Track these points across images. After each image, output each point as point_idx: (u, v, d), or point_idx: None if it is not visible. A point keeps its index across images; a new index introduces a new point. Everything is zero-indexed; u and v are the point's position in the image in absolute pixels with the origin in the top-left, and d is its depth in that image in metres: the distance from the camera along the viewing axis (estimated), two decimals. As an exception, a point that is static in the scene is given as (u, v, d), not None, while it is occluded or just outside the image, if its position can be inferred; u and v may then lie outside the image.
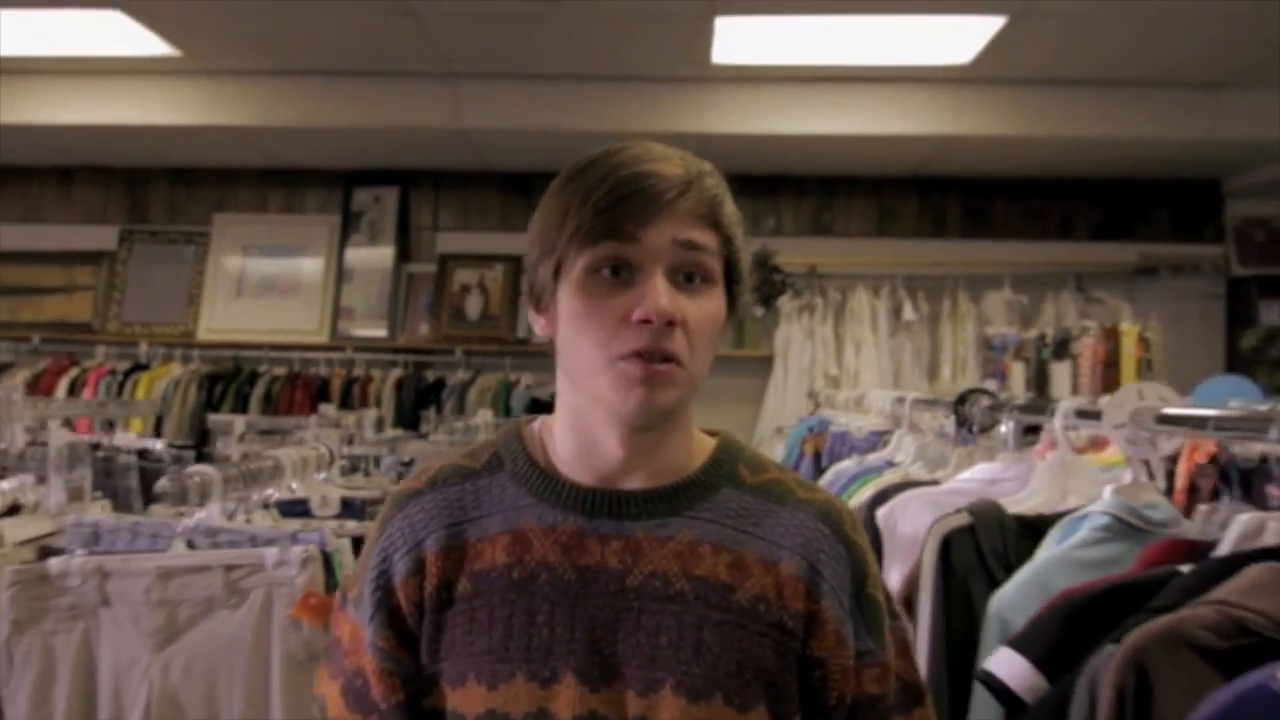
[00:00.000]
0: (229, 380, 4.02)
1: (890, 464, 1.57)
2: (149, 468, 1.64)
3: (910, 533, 1.10)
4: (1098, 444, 1.55)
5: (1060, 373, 2.95)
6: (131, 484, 1.58)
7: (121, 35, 3.18)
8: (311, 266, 4.26)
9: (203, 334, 4.20)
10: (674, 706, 0.69)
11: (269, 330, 4.17)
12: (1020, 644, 0.72)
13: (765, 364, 4.04)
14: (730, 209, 0.73)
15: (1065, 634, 0.69)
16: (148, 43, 3.24)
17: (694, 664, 0.70)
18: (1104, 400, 0.96)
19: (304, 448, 1.39)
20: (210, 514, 1.04)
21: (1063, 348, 3.00)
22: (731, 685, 0.70)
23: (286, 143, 3.91)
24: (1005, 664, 0.72)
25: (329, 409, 2.57)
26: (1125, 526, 0.85)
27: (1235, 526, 0.74)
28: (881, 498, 1.30)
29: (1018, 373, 3.13)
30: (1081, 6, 2.81)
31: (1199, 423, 0.83)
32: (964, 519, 0.98)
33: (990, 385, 2.93)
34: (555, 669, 0.71)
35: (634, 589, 0.71)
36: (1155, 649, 0.55)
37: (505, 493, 0.76)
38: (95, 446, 1.61)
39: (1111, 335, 3.05)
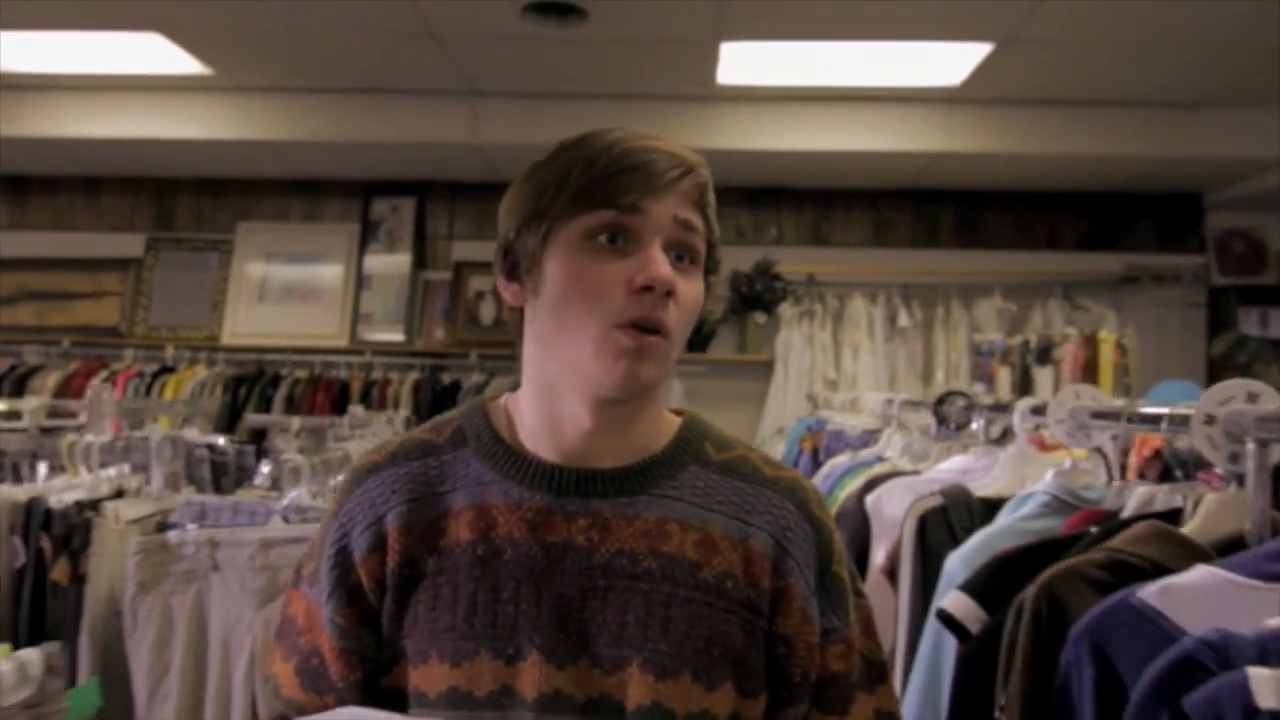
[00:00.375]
0: (253, 383, 4.20)
1: (880, 458, 1.75)
2: (217, 460, 1.81)
3: (893, 514, 1.27)
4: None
5: (1043, 377, 3.14)
6: (205, 474, 1.75)
7: (157, 55, 3.37)
8: (332, 273, 4.43)
9: (227, 338, 4.37)
10: (641, 684, 0.68)
11: (291, 334, 4.35)
12: (967, 587, 0.89)
13: (767, 368, 4.22)
14: (713, 199, 0.75)
15: (1001, 579, 0.87)
16: (182, 62, 3.42)
17: (661, 641, 0.69)
18: (1061, 402, 1.14)
19: (366, 441, 1.57)
20: (300, 495, 1.22)
21: (1045, 354, 3.19)
22: (699, 662, 0.69)
23: (309, 155, 4.09)
24: (955, 602, 0.90)
25: (357, 409, 2.75)
26: (1061, 503, 1.03)
27: (1134, 498, 0.92)
28: (870, 486, 1.48)
29: (1004, 377, 3.31)
30: (1064, 34, 2.99)
31: (1115, 417, 1.01)
32: (938, 501, 1.16)
33: (979, 388, 3.11)
34: (520, 646, 0.69)
35: (601, 566, 0.70)
36: (1061, 583, 0.73)
37: (470, 468, 0.74)
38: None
39: (1091, 342, 3.24)
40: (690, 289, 0.72)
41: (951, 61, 3.25)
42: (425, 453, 0.75)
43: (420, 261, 4.46)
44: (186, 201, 4.56)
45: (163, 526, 1.14)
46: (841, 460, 1.89)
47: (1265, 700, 0.56)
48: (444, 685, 0.70)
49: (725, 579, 0.71)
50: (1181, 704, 0.60)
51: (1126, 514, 0.91)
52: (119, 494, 1.29)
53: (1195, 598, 0.62)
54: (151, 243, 4.54)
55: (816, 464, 2.22)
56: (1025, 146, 3.67)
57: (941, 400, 1.53)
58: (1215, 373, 3.77)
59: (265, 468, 1.33)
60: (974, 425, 1.39)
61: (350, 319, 4.39)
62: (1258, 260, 4.36)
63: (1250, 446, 0.75)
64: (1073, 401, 1.07)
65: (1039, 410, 1.17)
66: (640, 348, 0.68)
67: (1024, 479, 1.18)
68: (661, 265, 0.69)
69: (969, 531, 1.09)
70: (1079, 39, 3.04)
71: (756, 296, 4.13)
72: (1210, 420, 0.78)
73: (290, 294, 4.44)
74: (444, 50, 3.24)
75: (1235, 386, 0.81)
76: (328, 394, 4.14)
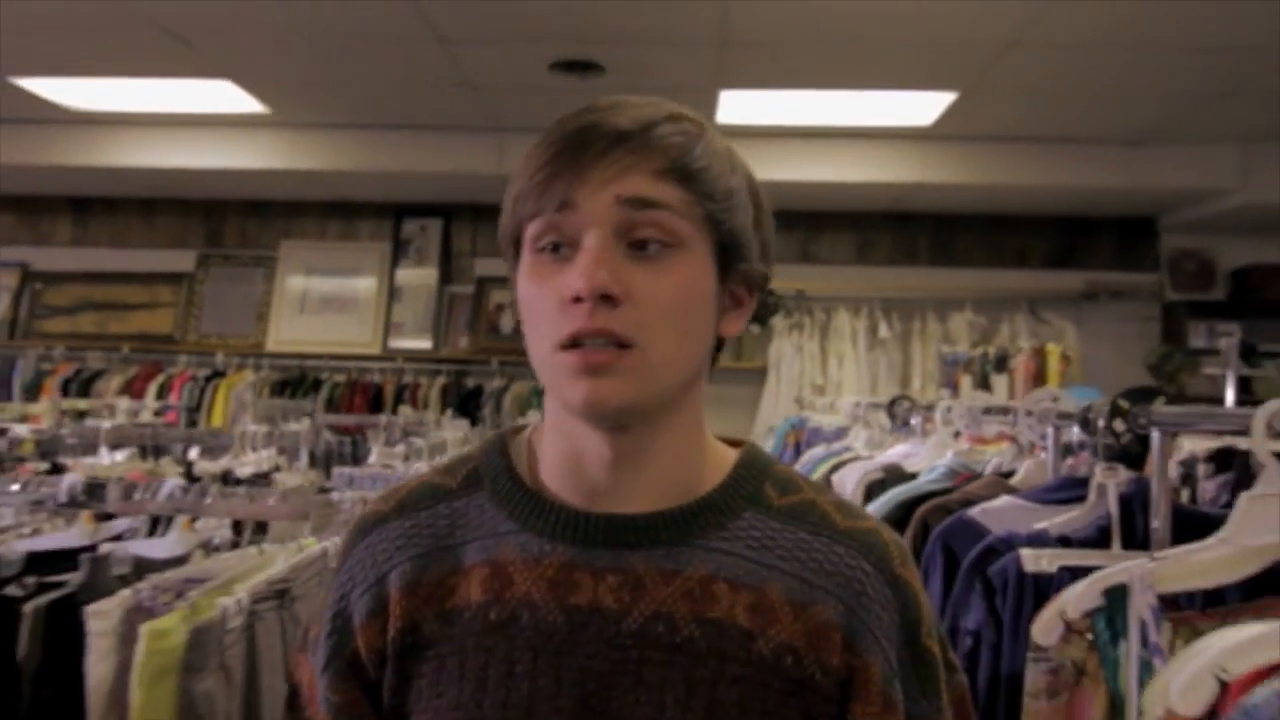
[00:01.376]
0: (295, 386, 4.64)
1: (848, 449, 2.19)
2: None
3: (848, 487, 1.71)
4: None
5: (999, 383, 3.57)
6: (319, 453, 2.19)
7: (224, 97, 3.81)
8: (366, 286, 4.88)
9: (271, 345, 4.81)
10: None
11: (329, 342, 4.79)
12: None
13: (760, 374, 4.66)
14: (711, 160, 0.61)
15: (898, 514, 1.30)
16: (245, 103, 3.87)
17: None
18: (960, 402, 1.58)
19: (452, 431, 2.01)
20: (420, 466, 1.65)
21: (1002, 363, 3.63)
22: None
23: (348, 181, 4.53)
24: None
25: (406, 409, 3.18)
26: (954, 471, 1.46)
27: (993, 462, 1.37)
28: (837, 468, 1.92)
29: (966, 383, 3.74)
30: (1020, 83, 3.44)
31: (1000, 412, 1.46)
32: (879, 474, 1.60)
33: (945, 394, 3.55)
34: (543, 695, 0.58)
35: (633, 634, 0.59)
36: (929, 512, 1.17)
37: (484, 516, 0.63)
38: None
39: (1040, 353, 3.68)
40: (660, 281, 0.58)
41: (922, 106, 3.70)
42: (436, 499, 0.65)
43: (446, 276, 4.91)
44: (234, 221, 5.01)
45: (322, 490, 1.56)
46: (818, 450, 2.33)
47: (1029, 567, 1.01)
48: None
49: (785, 653, 0.59)
50: (987, 573, 1.04)
51: (986, 473, 1.36)
52: (276, 469, 1.72)
53: (1000, 514, 1.06)
54: (202, 259, 4.98)
55: (798, 454, 2.66)
56: (989, 178, 4.12)
57: (893, 403, 1.97)
58: (1153, 379, 4.22)
59: (374, 453, 1.77)
60: (913, 421, 1.84)
61: (383, 328, 4.83)
62: (1207, 278, 4.81)
63: (1050, 430, 1.19)
64: (970, 402, 1.52)
65: (953, 408, 1.62)
66: (587, 365, 0.57)
67: (941, 458, 1.61)
68: (588, 267, 0.56)
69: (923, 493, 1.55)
70: (1033, 87, 3.49)
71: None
72: (1030, 414, 1.22)
73: (328, 305, 4.88)
74: (477, 95, 3.69)
75: (1045, 393, 1.25)
76: (364, 396, 4.58)
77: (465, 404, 4.54)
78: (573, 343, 0.57)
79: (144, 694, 0.88)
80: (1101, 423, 0.95)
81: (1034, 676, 0.82)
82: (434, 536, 0.63)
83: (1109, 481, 0.92)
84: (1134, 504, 0.93)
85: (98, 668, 0.97)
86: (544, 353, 0.60)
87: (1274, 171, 4.00)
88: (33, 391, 4.62)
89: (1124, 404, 0.94)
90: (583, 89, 3.49)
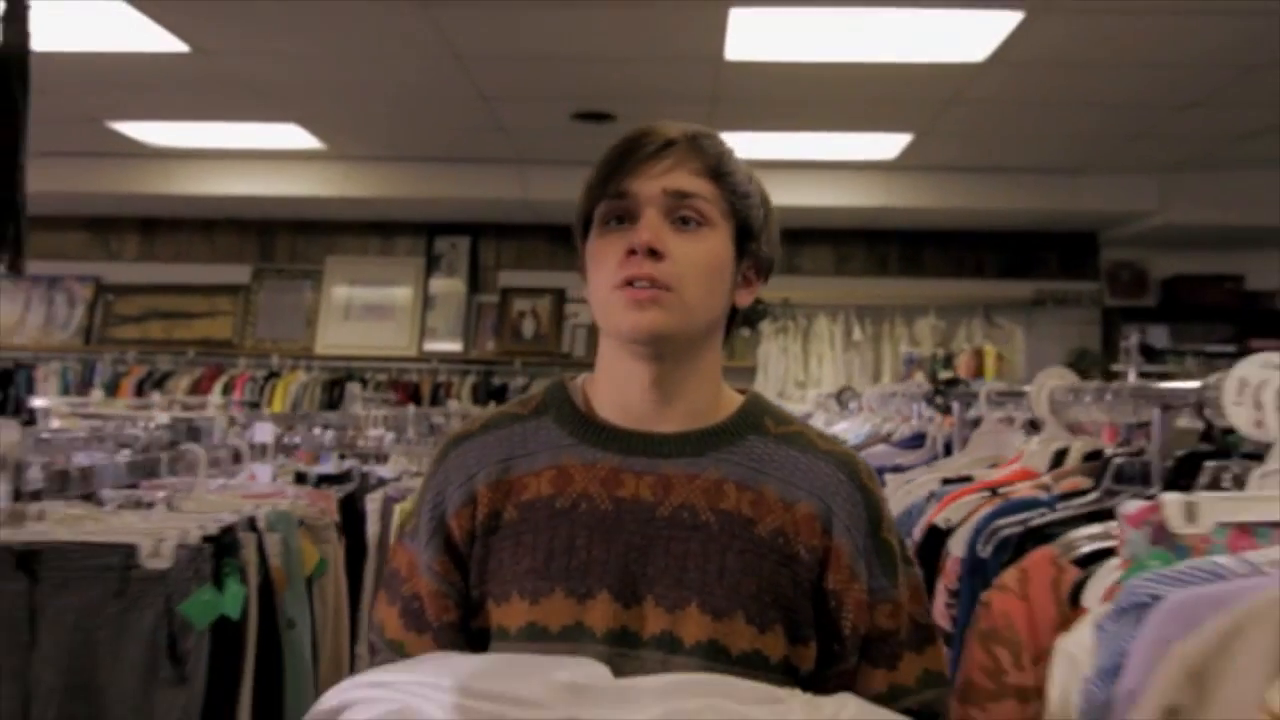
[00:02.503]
0: (343, 384, 5.28)
1: (811, 428, 2.86)
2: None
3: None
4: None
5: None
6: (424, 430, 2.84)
7: (289, 137, 4.46)
8: (403, 296, 5.52)
9: (319, 348, 5.45)
10: (699, 623, 0.75)
11: (370, 345, 5.43)
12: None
13: (750, 373, 5.32)
14: (736, 168, 0.83)
15: None
16: (307, 141, 4.51)
17: (717, 586, 0.76)
18: (874, 389, 2.22)
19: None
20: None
21: (948, 362, 4.28)
22: (751, 606, 0.76)
23: (388, 206, 5.18)
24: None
25: (454, 403, 3.81)
26: (869, 436, 2.10)
27: (900, 429, 2.03)
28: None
29: (920, 378, 4.39)
30: (963, 129, 4.09)
31: (893, 395, 2.11)
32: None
33: (909, 383, 4.19)
34: (591, 587, 0.77)
35: (664, 519, 0.78)
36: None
37: (550, 434, 0.83)
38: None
39: (979, 354, 4.34)
40: (693, 247, 0.79)
41: (885, 144, 4.36)
42: (512, 421, 0.85)
43: (474, 287, 5.55)
44: (284, 239, 5.65)
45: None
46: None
47: (889, 481, 1.66)
48: (523, 621, 0.78)
49: (777, 535, 0.78)
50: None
51: (884, 433, 2.02)
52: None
53: (879, 454, 1.70)
54: (256, 272, 5.63)
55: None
56: (944, 203, 4.78)
57: (840, 393, 2.61)
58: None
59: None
60: (851, 406, 2.48)
61: (418, 333, 5.47)
62: (1140, 286, 5.47)
63: (955, 404, 1.83)
64: (883, 390, 2.17)
65: (873, 396, 2.27)
66: (636, 300, 0.77)
67: (863, 428, 2.26)
68: (643, 231, 0.77)
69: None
70: (975, 132, 4.14)
71: (742, 316, 5.22)
72: (905, 395, 1.88)
73: (369, 313, 5.53)
74: (506, 137, 4.34)
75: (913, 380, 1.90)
76: (404, 393, 5.22)
77: (492, 400, 5.18)
78: (626, 283, 0.77)
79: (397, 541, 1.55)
80: (934, 399, 1.61)
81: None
82: (510, 448, 0.83)
83: (937, 434, 1.57)
84: (952, 446, 1.58)
85: (372, 528, 1.68)
86: (603, 292, 0.79)
87: (1185, 197, 4.68)
88: (111, 389, 5.26)
89: (940, 388, 1.59)
90: (598, 133, 4.14)
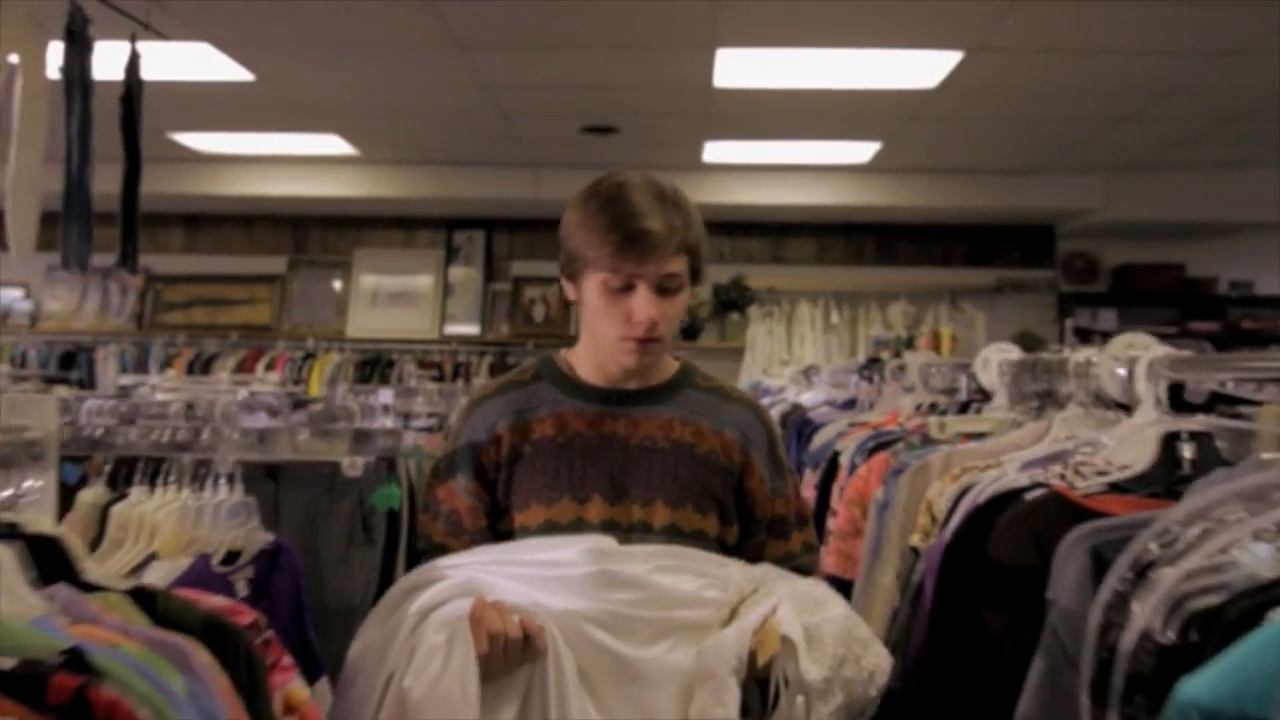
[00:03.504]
0: (373, 365, 5.85)
1: (783, 397, 3.44)
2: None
3: (777, 415, 2.95)
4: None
5: (908, 358, 4.81)
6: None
7: (329, 145, 5.00)
8: (425, 284, 6.09)
9: (350, 332, 6.02)
10: (662, 512, 1.14)
11: (396, 329, 6.00)
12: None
13: (739, 353, 5.89)
14: (695, 234, 1.14)
15: (792, 417, 2.54)
16: (343, 148, 5.06)
17: (673, 488, 1.15)
18: (829, 367, 2.81)
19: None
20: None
21: (910, 343, 4.86)
22: (696, 500, 1.15)
23: (410, 203, 5.73)
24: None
25: (477, 380, 4.40)
26: (825, 402, 2.68)
27: (849, 396, 2.62)
28: (771, 406, 3.16)
29: (886, 357, 4.98)
30: (925, 139, 4.64)
31: (847, 369, 2.70)
32: (789, 408, 2.83)
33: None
34: (588, 493, 1.15)
35: (635, 446, 1.17)
36: (796, 417, 2.42)
37: (548, 393, 1.20)
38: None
39: (936, 336, 4.92)
40: (673, 307, 1.14)
41: (857, 150, 4.91)
42: (518, 386, 1.22)
43: (489, 276, 6.12)
44: (316, 233, 6.20)
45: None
46: (765, 400, 3.58)
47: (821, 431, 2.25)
48: (541, 519, 1.15)
49: (711, 454, 1.19)
50: (803, 431, 2.29)
51: (838, 401, 2.62)
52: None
53: (824, 412, 2.28)
54: (291, 263, 6.18)
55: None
56: (911, 201, 5.36)
57: (806, 370, 3.20)
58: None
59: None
60: (814, 380, 3.07)
61: (439, 318, 6.04)
62: (1092, 274, 6.05)
63: (875, 377, 2.40)
64: (831, 365, 2.76)
65: (845, 370, 2.86)
66: (641, 349, 1.15)
67: (821, 396, 2.84)
68: (649, 311, 1.11)
69: (798, 410, 2.77)
70: (936, 141, 4.70)
71: (732, 302, 5.81)
72: (850, 370, 2.46)
73: (395, 300, 6.09)
74: (521, 145, 4.89)
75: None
76: (428, 372, 5.79)
77: (508, 378, 5.76)
78: (633, 339, 1.15)
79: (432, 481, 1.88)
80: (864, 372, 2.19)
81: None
82: (520, 404, 1.20)
83: (864, 398, 2.16)
84: (874, 405, 2.17)
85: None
86: (612, 338, 1.15)
87: (1127, 195, 5.25)
88: (164, 369, 5.83)
89: (867, 362, 2.17)
90: (603, 144, 4.71)
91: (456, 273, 6.10)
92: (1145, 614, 0.65)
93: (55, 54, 2.23)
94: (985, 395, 1.80)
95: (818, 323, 5.82)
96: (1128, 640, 0.65)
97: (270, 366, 5.80)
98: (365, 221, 6.14)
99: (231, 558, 1.18)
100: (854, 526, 1.51)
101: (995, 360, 1.67)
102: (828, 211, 5.64)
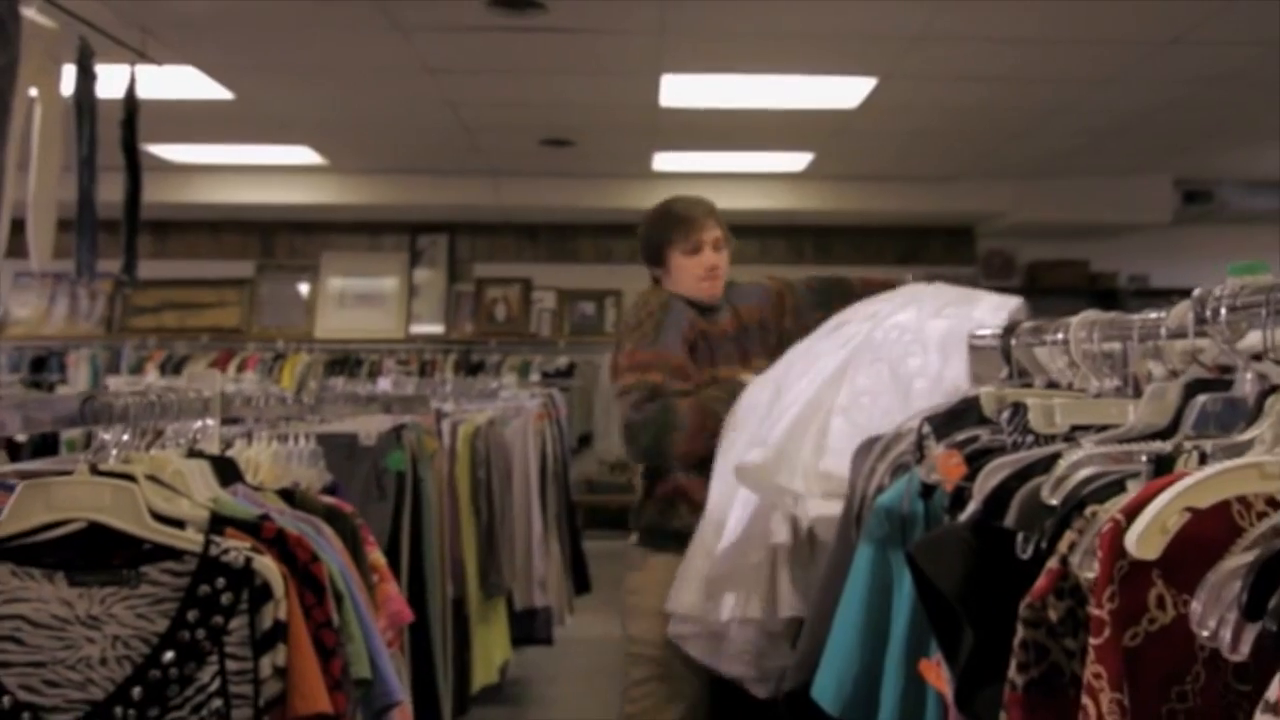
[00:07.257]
0: (342, 364, 6.14)
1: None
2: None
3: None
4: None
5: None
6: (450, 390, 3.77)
7: (299, 156, 5.29)
8: (390, 286, 6.39)
9: (318, 333, 6.30)
10: (759, 366, 1.86)
11: (363, 330, 6.29)
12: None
13: (689, 347, 6.33)
14: (719, 215, 2.04)
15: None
16: (313, 159, 5.35)
17: (762, 346, 2.01)
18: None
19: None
20: (511, 392, 3.26)
21: (842, 335, 5.38)
22: (773, 351, 1.92)
23: (375, 209, 6.03)
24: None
25: (438, 375, 4.74)
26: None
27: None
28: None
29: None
30: (855, 148, 5.11)
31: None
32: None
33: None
34: (731, 361, 1.96)
35: (733, 332, 2.00)
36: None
37: (684, 310, 1.94)
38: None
39: (865, 328, 5.44)
40: (722, 258, 2.01)
41: (792, 160, 5.38)
42: (671, 299, 1.96)
43: (452, 277, 6.44)
44: (283, 238, 6.46)
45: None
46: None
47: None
48: (724, 376, 1.91)
49: (763, 319, 2.07)
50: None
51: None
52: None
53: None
54: (259, 267, 6.43)
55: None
56: (843, 206, 5.85)
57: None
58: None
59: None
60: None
61: (405, 318, 6.35)
62: (1008, 270, 6.62)
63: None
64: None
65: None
66: (710, 283, 2.00)
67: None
68: (711, 260, 2.00)
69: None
70: (864, 151, 5.18)
71: (682, 300, 6.23)
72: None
73: (362, 301, 6.39)
74: (482, 155, 5.25)
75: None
76: (404, 368, 6.10)
77: (472, 374, 6.10)
78: (704, 278, 2.03)
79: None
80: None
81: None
82: (681, 311, 1.97)
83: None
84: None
85: (446, 437, 2.62)
86: (692, 279, 2.01)
87: (1033, 200, 5.81)
88: (136, 371, 6.04)
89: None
90: (560, 155, 5.09)
91: (421, 275, 6.41)
92: (881, 472, 1.11)
93: (66, 75, 2.51)
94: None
95: (761, 318, 6.27)
96: (871, 487, 1.13)
97: (242, 367, 6.05)
98: (332, 226, 6.42)
99: (306, 489, 1.54)
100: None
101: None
102: (769, 215, 6.09)
